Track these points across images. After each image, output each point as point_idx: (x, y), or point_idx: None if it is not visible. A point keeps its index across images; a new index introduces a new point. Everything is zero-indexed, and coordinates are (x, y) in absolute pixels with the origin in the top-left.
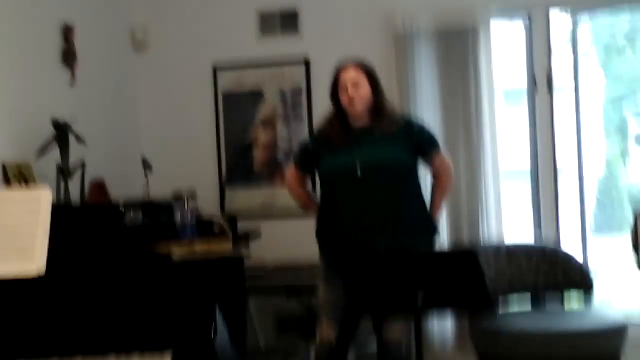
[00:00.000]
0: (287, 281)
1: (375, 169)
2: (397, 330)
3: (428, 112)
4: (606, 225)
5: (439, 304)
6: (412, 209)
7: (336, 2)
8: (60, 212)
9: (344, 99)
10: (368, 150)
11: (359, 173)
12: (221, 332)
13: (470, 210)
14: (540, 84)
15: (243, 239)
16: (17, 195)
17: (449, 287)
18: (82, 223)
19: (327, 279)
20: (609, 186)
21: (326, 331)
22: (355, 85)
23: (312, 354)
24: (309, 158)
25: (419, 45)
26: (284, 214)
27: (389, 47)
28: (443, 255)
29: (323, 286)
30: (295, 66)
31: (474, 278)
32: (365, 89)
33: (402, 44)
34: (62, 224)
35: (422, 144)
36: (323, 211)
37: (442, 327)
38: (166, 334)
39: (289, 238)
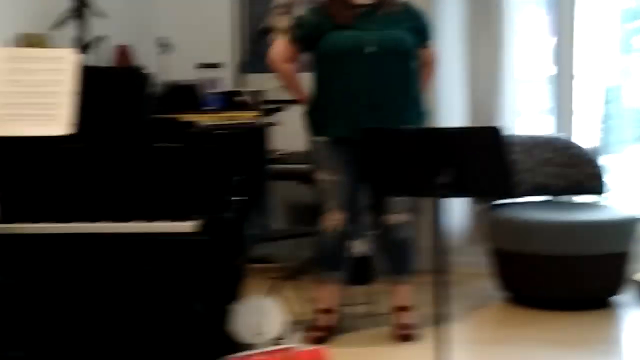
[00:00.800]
0: (299, 167)
1: (382, 47)
2: (401, 210)
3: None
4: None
5: (461, 185)
6: (413, 90)
7: None
8: (85, 73)
9: None
10: (375, 29)
11: (366, 50)
12: (243, 203)
13: (488, 105)
14: None
15: (270, 112)
16: (41, 54)
17: (471, 166)
18: (106, 85)
19: (327, 162)
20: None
21: (332, 217)
22: None
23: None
24: (309, 33)
25: None
26: None
27: None
28: (467, 130)
29: (324, 171)
30: None
31: (498, 156)
32: None
33: None
34: (87, 86)
35: (422, 31)
36: (321, 89)
37: (455, 216)
38: (189, 202)
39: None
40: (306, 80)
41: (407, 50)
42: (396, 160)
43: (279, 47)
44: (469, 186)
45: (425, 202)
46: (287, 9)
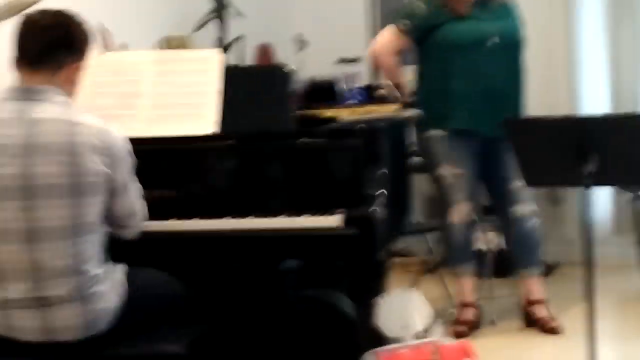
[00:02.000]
0: None
1: (503, 38)
2: (526, 201)
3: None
4: None
5: (607, 174)
6: (523, 83)
7: None
8: (230, 72)
9: None
10: (492, 20)
11: (489, 42)
12: (385, 197)
13: (633, 90)
14: None
15: (410, 105)
16: (188, 55)
17: (619, 154)
18: (251, 83)
19: (449, 156)
20: None
21: (460, 210)
22: None
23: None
24: (423, 24)
25: None
26: None
27: None
28: (614, 118)
29: (446, 164)
30: None
31: None
32: None
33: None
34: (233, 84)
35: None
36: (437, 81)
37: (600, 208)
38: (335, 197)
39: None
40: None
41: (522, 40)
42: (541, 149)
43: (385, 38)
44: (616, 175)
45: (567, 192)
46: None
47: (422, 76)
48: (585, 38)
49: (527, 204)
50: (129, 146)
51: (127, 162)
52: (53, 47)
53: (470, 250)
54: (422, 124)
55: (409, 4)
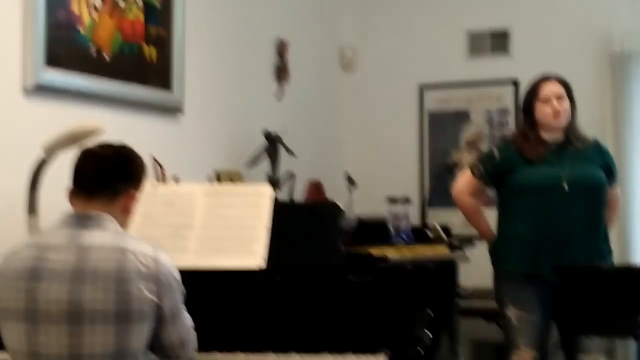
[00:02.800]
0: (486, 305)
1: (580, 183)
2: (597, 351)
3: None
4: None
5: None
6: (603, 229)
7: (548, 21)
8: (282, 207)
9: (546, 111)
10: (571, 166)
11: (565, 187)
12: (432, 339)
13: None
14: None
15: (457, 247)
16: (240, 190)
17: None
18: (301, 218)
19: (517, 298)
20: None
21: (522, 355)
22: (559, 98)
23: None
24: (497, 168)
25: (637, 66)
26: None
27: (604, 69)
28: None
29: (514, 307)
30: (504, 86)
31: None
32: (567, 104)
33: (618, 66)
34: (285, 219)
35: (610, 169)
36: (511, 224)
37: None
38: (380, 337)
39: (489, 262)
40: (491, 216)
41: (600, 187)
42: (592, 297)
43: (463, 180)
44: None
45: (619, 344)
46: (474, 144)
47: (498, 219)
48: (637, 187)
49: (597, 355)
50: (178, 274)
51: (175, 290)
52: (110, 176)
53: None
54: (495, 262)
55: (488, 149)
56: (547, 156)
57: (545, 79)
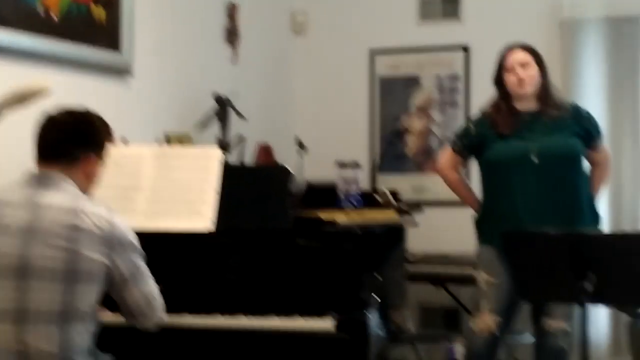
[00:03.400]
0: (434, 270)
1: (550, 155)
2: (560, 318)
3: (593, 103)
4: None
5: (607, 293)
6: (582, 197)
7: None
8: (231, 171)
9: (511, 80)
10: (541, 136)
11: (535, 159)
12: (380, 303)
13: (632, 202)
14: None
15: (406, 212)
16: (189, 152)
17: (620, 273)
18: (251, 182)
19: (490, 266)
20: None
21: (486, 320)
22: (524, 65)
23: (456, 346)
24: (473, 142)
25: (586, 33)
26: (434, 203)
27: (554, 35)
28: (615, 236)
29: (486, 274)
30: (454, 52)
31: None
32: (533, 70)
33: (568, 32)
34: (233, 183)
35: (590, 132)
36: (488, 198)
37: (597, 324)
38: (327, 300)
39: (437, 227)
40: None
41: (573, 156)
42: (537, 264)
43: (445, 156)
44: (613, 295)
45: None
46: (424, 110)
47: (481, 192)
48: None
49: (562, 320)
50: (135, 237)
51: (131, 251)
52: (67, 141)
53: None
54: (478, 237)
55: (465, 123)
56: (520, 128)
57: (509, 48)
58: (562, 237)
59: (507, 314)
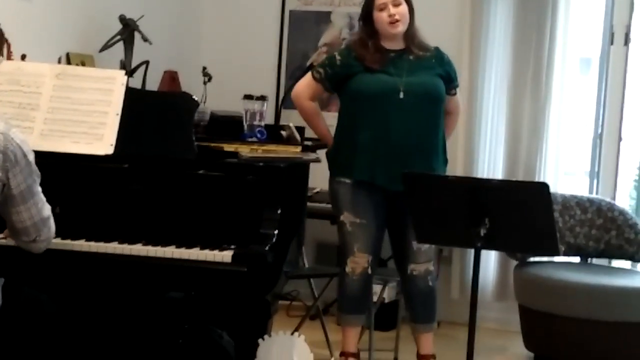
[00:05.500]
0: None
1: (416, 92)
2: (425, 259)
3: (497, 69)
4: None
5: (502, 239)
6: (440, 138)
7: None
8: (135, 95)
9: (383, 18)
10: (407, 73)
11: (401, 95)
12: (279, 238)
13: (528, 154)
14: (617, 41)
15: (309, 149)
16: (91, 73)
17: (516, 220)
18: (154, 108)
19: (352, 204)
20: None
21: (357, 260)
22: (396, 4)
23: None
24: (337, 74)
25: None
26: None
27: (464, 3)
28: (515, 184)
29: (349, 213)
30: None
31: (545, 213)
32: (404, 9)
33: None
34: (135, 108)
35: (450, 77)
36: (348, 130)
37: (483, 271)
38: (228, 233)
39: None
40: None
41: (437, 96)
42: (435, 207)
43: (304, 83)
44: (505, 241)
45: (456, 253)
46: (332, 47)
47: (338, 124)
48: (487, 106)
49: (426, 263)
50: (32, 154)
51: (24, 168)
52: None
53: (363, 302)
54: (332, 170)
55: (331, 53)
56: (387, 64)
57: None
58: (462, 182)
59: (375, 250)
